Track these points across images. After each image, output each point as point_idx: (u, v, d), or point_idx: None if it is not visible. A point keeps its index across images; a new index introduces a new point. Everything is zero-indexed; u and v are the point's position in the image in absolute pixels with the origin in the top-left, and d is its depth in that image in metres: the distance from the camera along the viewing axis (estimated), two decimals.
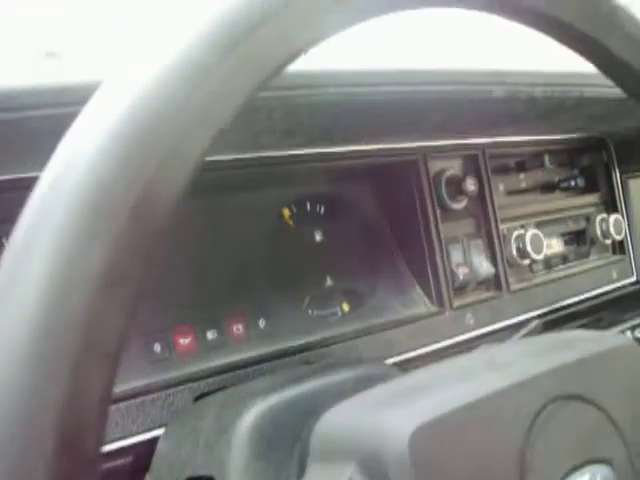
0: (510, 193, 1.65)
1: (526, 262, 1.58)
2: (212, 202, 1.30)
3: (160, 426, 1.04)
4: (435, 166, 1.45)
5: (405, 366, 1.28)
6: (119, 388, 1.07)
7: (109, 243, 0.37)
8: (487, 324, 1.46)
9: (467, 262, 1.47)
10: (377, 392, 0.64)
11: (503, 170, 1.63)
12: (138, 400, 1.05)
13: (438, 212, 1.44)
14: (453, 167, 1.48)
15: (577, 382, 0.63)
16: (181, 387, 1.10)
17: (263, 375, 1.18)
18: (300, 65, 0.44)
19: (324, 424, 0.60)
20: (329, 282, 1.41)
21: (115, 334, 0.37)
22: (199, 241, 1.28)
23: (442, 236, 1.43)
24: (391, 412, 0.55)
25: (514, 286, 1.56)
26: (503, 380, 0.59)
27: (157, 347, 1.19)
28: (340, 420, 0.61)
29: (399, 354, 1.32)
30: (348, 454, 0.53)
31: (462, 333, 1.42)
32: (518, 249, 1.56)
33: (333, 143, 1.21)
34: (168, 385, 1.09)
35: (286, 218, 1.40)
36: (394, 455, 0.50)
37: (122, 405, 1.04)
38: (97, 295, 0.36)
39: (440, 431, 0.53)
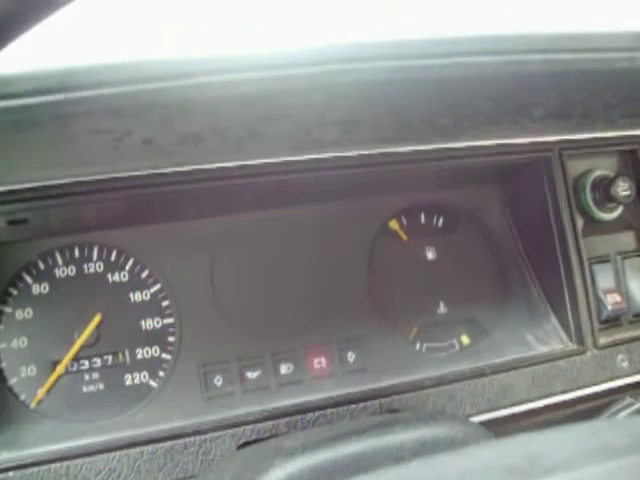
0: None
1: None
2: (298, 212, 1.11)
3: (191, 477, 0.87)
4: (576, 166, 1.16)
5: (521, 421, 1.01)
6: (149, 428, 0.91)
7: None
8: None
9: (620, 288, 1.15)
10: None
11: None
12: (168, 444, 0.89)
13: (580, 223, 1.14)
14: (601, 166, 1.17)
15: None
16: (229, 431, 0.92)
17: (337, 421, 0.97)
18: None
19: None
20: (443, 309, 1.17)
21: None
22: (279, 257, 1.10)
23: (585, 254, 1.13)
24: None
25: None
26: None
27: (218, 380, 1.02)
28: None
29: (518, 404, 1.04)
30: None
31: (609, 380, 1.10)
32: None
33: (419, 140, 0.97)
34: (210, 428, 0.91)
35: (393, 231, 1.18)
36: None
37: (147, 449, 0.88)
38: None
39: None
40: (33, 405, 0.98)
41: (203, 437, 0.91)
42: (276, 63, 0.69)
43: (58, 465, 0.86)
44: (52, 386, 0.99)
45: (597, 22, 0.89)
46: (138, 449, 0.89)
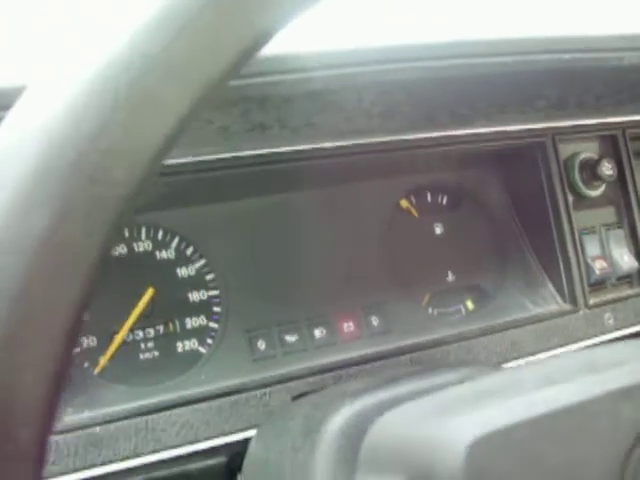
0: None
1: None
2: (325, 193, 1.24)
3: (255, 426, 0.99)
4: (567, 149, 1.31)
5: None
6: (210, 386, 1.03)
7: (57, 207, 0.31)
8: (629, 324, 1.30)
9: (605, 255, 1.31)
10: (442, 397, 0.54)
11: None
12: (232, 399, 1.01)
13: (570, 199, 1.30)
14: (587, 149, 1.33)
15: None
16: (279, 386, 1.04)
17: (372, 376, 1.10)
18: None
19: (375, 433, 0.52)
20: (451, 278, 1.32)
21: (58, 308, 0.31)
22: (310, 233, 1.22)
23: (575, 226, 1.29)
24: (449, 421, 0.46)
25: None
26: (600, 385, 0.49)
27: (261, 344, 1.15)
28: (392, 429, 0.52)
29: (524, 356, 1.19)
30: (398, 468, 0.45)
31: (599, 335, 1.27)
32: None
33: (440, 127, 1.11)
34: (265, 384, 1.04)
35: (404, 209, 1.31)
36: (447, 472, 0.42)
37: (214, 404, 1.00)
38: (37, 262, 0.30)
39: (504, 445, 0.43)
40: (96, 372, 1.08)
41: (261, 391, 1.03)
42: (345, 61, 0.82)
43: (138, 420, 0.97)
44: (114, 354, 1.10)
45: (592, 24, 1.04)
46: (207, 403, 1.00)
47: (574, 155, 1.31)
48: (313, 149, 1.06)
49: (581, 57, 0.99)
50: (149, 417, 0.97)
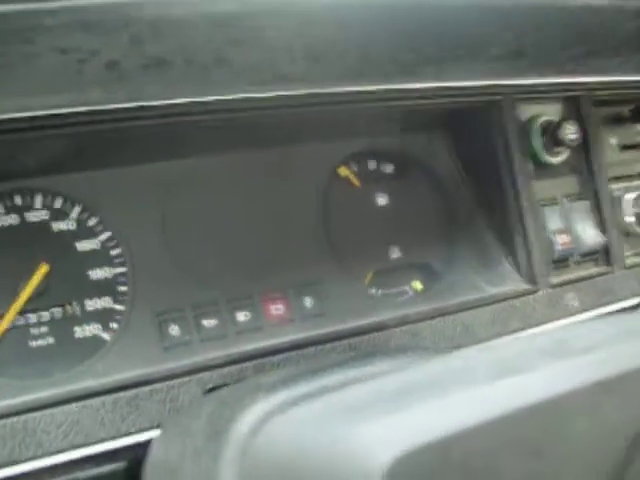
0: (625, 148, 1.33)
1: None
2: (249, 156, 1.08)
3: (158, 426, 0.83)
4: (526, 111, 1.18)
5: None
6: (107, 379, 0.87)
7: None
8: (594, 306, 1.17)
9: (568, 229, 1.18)
10: (358, 392, 0.39)
11: (615, 119, 1.32)
12: (131, 393, 0.85)
13: (530, 167, 1.17)
14: (548, 113, 1.19)
15: None
16: (190, 377, 0.88)
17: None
18: None
19: (265, 440, 0.37)
20: (397, 254, 1.17)
21: None
22: (231, 203, 1.06)
23: (536, 197, 1.15)
24: (362, 429, 0.31)
25: (630, 260, 1.25)
26: (572, 375, 0.34)
27: (174, 329, 0.99)
28: (285, 436, 0.37)
29: (479, 341, 1.05)
30: None
31: (561, 317, 1.13)
32: (637, 215, 1.25)
33: (379, 78, 0.96)
34: (174, 375, 0.88)
35: (343, 177, 1.16)
36: None
37: (108, 399, 0.84)
38: None
39: (440, 464, 0.28)
40: None
41: (167, 383, 0.87)
42: None
43: (14, 420, 0.80)
44: None
45: None
46: (99, 399, 0.84)
47: (534, 118, 1.17)
48: (230, 100, 0.91)
49: None
50: (28, 416, 0.81)
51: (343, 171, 1.16)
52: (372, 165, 1.19)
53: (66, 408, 0.82)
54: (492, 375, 0.36)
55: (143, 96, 0.85)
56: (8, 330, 0.93)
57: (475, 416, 0.31)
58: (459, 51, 0.94)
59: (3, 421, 0.80)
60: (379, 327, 1.01)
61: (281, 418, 0.46)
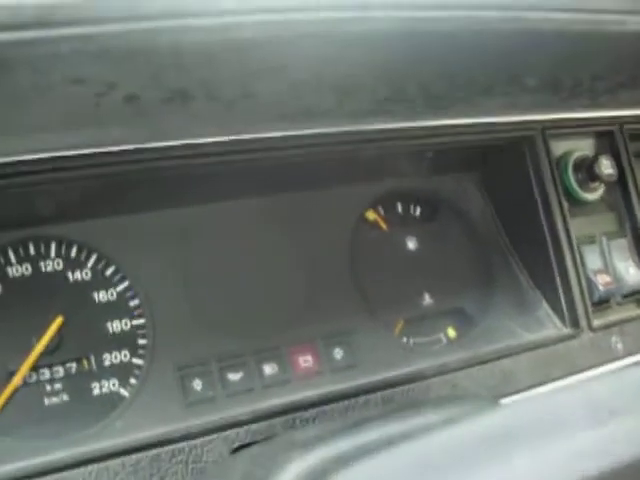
0: None
1: None
2: (274, 201, 1.03)
3: None
4: (559, 146, 1.13)
5: None
6: (126, 437, 0.81)
7: None
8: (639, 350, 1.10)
9: (608, 269, 1.12)
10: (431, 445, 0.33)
11: None
12: (152, 453, 0.78)
13: (565, 205, 1.11)
14: (582, 147, 1.14)
15: None
16: (215, 436, 0.82)
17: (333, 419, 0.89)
18: None
19: None
20: (428, 301, 1.11)
21: None
22: (256, 250, 1.01)
23: (573, 235, 1.09)
24: None
25: None
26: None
27: (197, 384, 0.92)
28: None
29: (520, 390, 0.98)
30: None
31: (606, 362, 1.07)
32: None
33: (411, 113, 0.91)
34: (198, 433, 0.81)
35: (371, 221, 1.11)
36: None
37: (128, 460, 0.77)
38: None
39: None
40: None
41: (191, 443, 0.81)
42: (274, 6, 0.62)
43: None
44: (8, 400, 0.87)
45: None
46: (118, 460, 0.78)
47: (567, 153, 1.12)
48: (255, 139, 0.86)
49: (577, 18, 0.81)
50: None
51: (371, 215, 1.11)
52: (400, 208, 1.14)
53: (82, 471, 0.76)
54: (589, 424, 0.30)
55: (164, 134, 0.80)
56: (20, 387, 0.88)
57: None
58: (492, 85, 0.90)
59: None
60: (415, 377, 0.95)
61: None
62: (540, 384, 1.00)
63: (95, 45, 0.58)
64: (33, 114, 0.65)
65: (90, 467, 0.77)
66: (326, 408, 0.88)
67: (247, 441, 0.82)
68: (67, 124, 0.68)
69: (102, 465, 0.77)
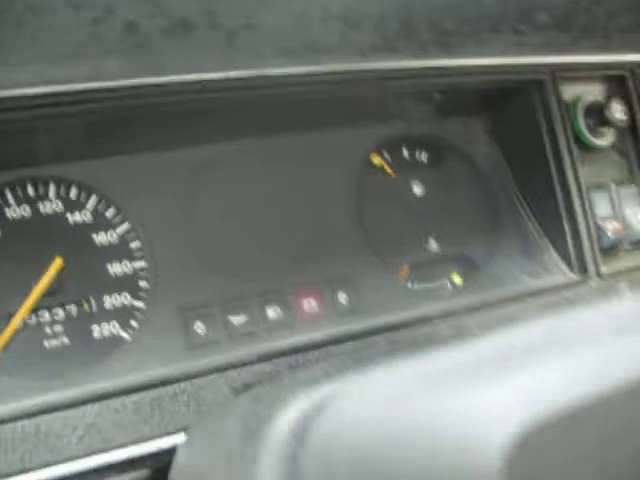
0: None
1: None
2: (278, 142, 1.01)
3: (183, 429, 0.75)
4: (569, 90, 1.10)
5: None
6: (126, 378, 0.79)
7: None
8: None
9: (618, 215, 1.10)
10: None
11: None
12: (154, 393, 0.77)
13: (575, 150, 1.08)
14: (593, 92, 1.11)
15: None
16: (217, 376, 0.80)
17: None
18: None
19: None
20: (434, 246, 1.09)
21: None
22: (260, 192, 0.99)
23: (582, 181, 1.07)
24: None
25: None
26: None
27: (200, 327, 0.91)
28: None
29: None
30: None
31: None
32: None
33: (418, 51, 0.88)
34: (200, 373, 0.80)
35: (376, 166, 1.09)
36: None
37: (129, 400, 0.76)
38: None
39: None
40: None
41: (193, 382, 0.80)
42: None
43: (25, 423, 0.73)
44: (8, 341, 0.86)
45: None
46: (118, 400, 0.77)
47: (578, 97, 1.09)
48: (256, 76, 0.83)
49: None
50: (40, 419, 0.73)
51: (376, 159, 1.09)
52: (406, 153, 1.12)
53: (81, 410, 0.75)
54: (617, 333, 0.29)
55: (164, 68, 0.78)
56: (20, 329, 0.87)
57: (614, 376, 0.24)
58: (502, 20, 0.87)
59: (13, 425, 0.73)
60: (420, 320, 0.94)
61: (350, 396, 0.38)
62: None
63: None
64: (31, 40, 0.62)
65: (90, 406, 0.76)
66: (331, 349, 0.87)
67: (251, 382, 0.81)
68: (66, 54, 0.66)
69: (103, 404, 0.76)
